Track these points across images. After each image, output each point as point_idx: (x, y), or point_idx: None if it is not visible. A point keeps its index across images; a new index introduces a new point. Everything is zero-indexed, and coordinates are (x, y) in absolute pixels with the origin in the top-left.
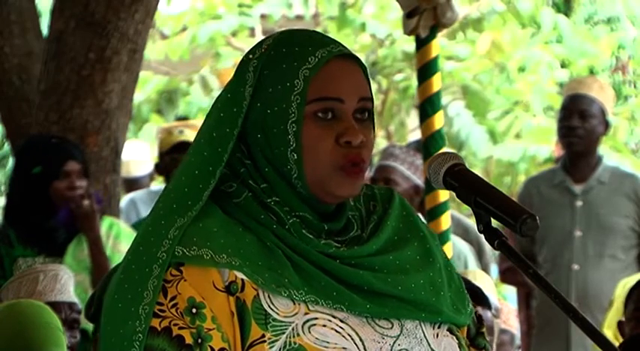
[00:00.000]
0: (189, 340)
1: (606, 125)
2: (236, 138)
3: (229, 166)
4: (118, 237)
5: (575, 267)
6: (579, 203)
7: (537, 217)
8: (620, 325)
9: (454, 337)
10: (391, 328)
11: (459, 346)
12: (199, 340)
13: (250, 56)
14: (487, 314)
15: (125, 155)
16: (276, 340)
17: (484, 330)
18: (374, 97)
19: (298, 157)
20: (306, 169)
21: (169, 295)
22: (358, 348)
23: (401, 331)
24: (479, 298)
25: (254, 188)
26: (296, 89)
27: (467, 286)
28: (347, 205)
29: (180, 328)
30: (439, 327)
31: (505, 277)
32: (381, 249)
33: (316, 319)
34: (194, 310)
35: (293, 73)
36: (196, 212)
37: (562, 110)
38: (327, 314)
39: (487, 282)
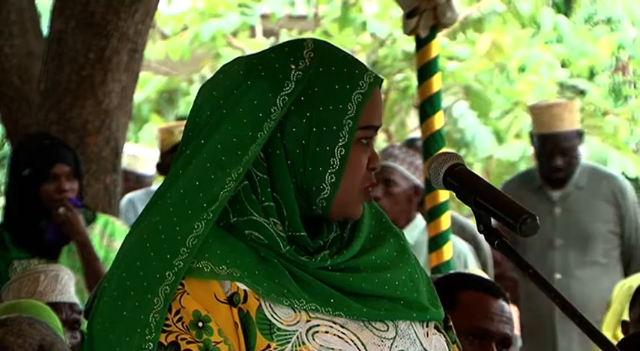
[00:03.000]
0: None
1: (581, 137)
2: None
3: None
4: (113, 235)
5: (558, 276)
6: (558, 210)
7: (537, 217)
8: (623, 324)
9: (441, 335)
10: (387, 330)
11: (447, 344)
12: None
13: (292, 66)
14: (505, 306)
15: (137, 151)
16: (283, 350)
17: (451, 323)
18: None
19: (337, 179)
20: (339, 191)
21: (174, 309)
22: None
23: (396, 333)
24: (496, 288)
25: (247, 207)
26: (349, 113)
27: (477, 277)
28: None
29: (188, 342)
30: (427, 325)
31: None
32: (362, 249)
33: (318, 325)
34: (200, 324)
35: (346, 96)
36: (215, 218)
37: (541, 147)
38: (328, 320)
39: None
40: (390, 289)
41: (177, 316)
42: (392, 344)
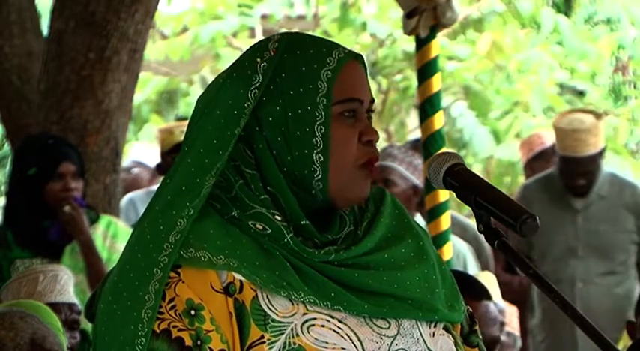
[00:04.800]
0: (188, 342)
1: (604, 152)
2: (238, 142)
3: (222, 178)
4: (116, 236)
5: (579, 285)
6: (580, 219)
7: (537, 218)
8: (629, 325)
9: (450, 336)
10: (389, 327)
11: (456, 345)
12: (198, 342)
13: (257, 60)
14: (490, 306)
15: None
16: (276, 341)
17: (477, 327)
18: (374, 97)
19: (325, 158)
20: (331, 170)
21: (167, 297)
22: (357, 348)
23: (398, 331)
24: (478, 290)
25: (248, 203)
26: (320, 91)
27: (469, 279)
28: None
29: (180, 329)
30: (435, 326)
31: None
32: (375, 247)
33: (315, 319)
34: (193, 312)
35: (314, 75)
36: (196, 213)
37: (564, 167)
38: (326, 314)
39: (492, 282)
40: (399, 288)
41: (171, 304)
42: (392, 342)
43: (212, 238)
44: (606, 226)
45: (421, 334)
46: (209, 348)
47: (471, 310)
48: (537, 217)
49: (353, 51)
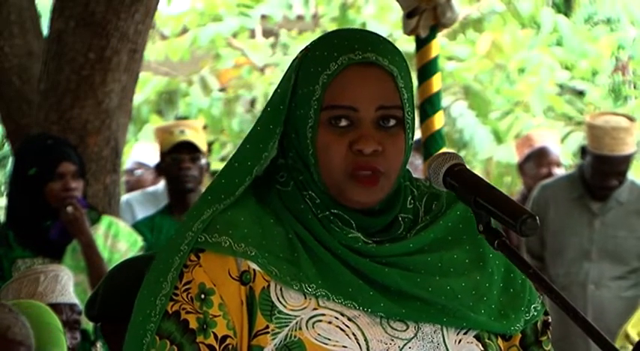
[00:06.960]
0: (193, 325)
1: (634, 155)
2: (280, 135)
3: (285, 157)
4: (117, 236)
5: (592, 287)
6: (597, 223)
7: (537, 217)
8: None
9: (480, 345)
10: (405, 330)
11: None
12: (204, 326)
13: (298, 55)
14: None
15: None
16: (279, 332)
17: (544, 338)
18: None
19: (315, 161)
20: (322, 173)
21: (184, 280)
22: (361, 347)
23: (415, 335)
24: None
25: (297, 180)
26: (315, 95)
27: None
28: (395, 204)
29: (188, 312)
30: (465, 333)
31: None
32: (421, 249)
33: (323, 315)
34: (202, 296)
35: (315, 78)
36: (225, 207)
37: (597, 166)
38: (337, 312)
39: None
40: (432, 292)
41: (186, 287)
42: (405, 345)
43: (240, 226)
44: (623, 232)
45: (444, 340)
46: (213, 333)
47: (550, 320)
48: (537, 217)
49: (369, 56)
